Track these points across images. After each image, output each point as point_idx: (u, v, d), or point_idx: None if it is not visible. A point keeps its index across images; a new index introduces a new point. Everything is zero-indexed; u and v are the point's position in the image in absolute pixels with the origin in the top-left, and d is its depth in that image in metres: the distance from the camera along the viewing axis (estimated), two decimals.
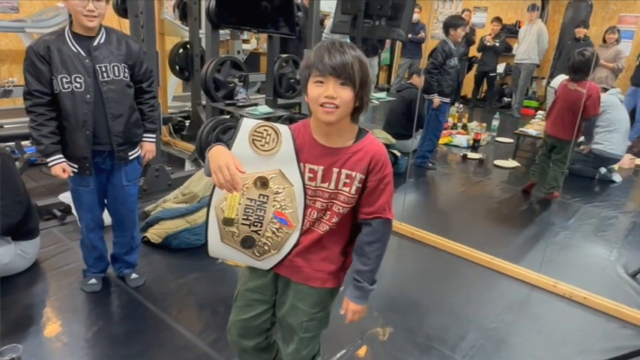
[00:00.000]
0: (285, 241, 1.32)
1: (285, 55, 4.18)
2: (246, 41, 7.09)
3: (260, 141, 1.23)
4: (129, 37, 2.09)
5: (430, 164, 4.73)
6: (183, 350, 1.95)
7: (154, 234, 2.69)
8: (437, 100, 4.37)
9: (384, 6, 3.36)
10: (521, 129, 5.42)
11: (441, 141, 5.32)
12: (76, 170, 2.00)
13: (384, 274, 2.51)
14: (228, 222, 1.30)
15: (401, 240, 3.12)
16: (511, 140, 5.83)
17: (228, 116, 3.66)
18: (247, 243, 1.32)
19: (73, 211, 2.29)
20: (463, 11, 7.96)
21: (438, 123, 4.62)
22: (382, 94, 7.45)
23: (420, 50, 7.89)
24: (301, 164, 1.26)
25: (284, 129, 1.24)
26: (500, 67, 8.20)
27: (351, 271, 1.38)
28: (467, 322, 2.28)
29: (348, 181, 1.25)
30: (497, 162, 5.05)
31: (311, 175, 1.27)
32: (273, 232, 1.31)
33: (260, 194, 1.27)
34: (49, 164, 1.96)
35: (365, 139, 1.26)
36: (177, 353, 1.93)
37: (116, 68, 1.95)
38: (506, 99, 8.32)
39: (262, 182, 1.27)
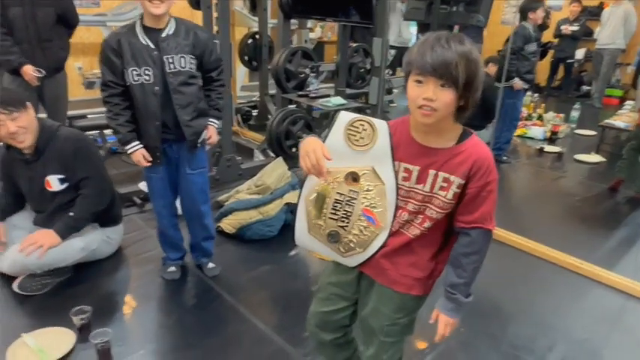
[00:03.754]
0: (371, 241, 1.26)
1: (355, 45, 4.08)
2: (310, 29, 7.03)
3: (355, 136, 1.17)
4: (198, 27, 2.09)
5: (505, 157, 4.48)
6: (260, 344, 1.95)
7: (228, 224, 2.73)
8: (518, 83, 4.13)
9: None
10: (607, 121, 4.98)
11: (515, 133, 5.03)
12: (150, 158, 2.06)
13: None
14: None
15: None
16: (593, 132, 5.40)
17: (294, 106, 3.62)
18: (333, 238, 1.28)
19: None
20: None
21: (516, 112, 4.38)
22: None
23: (482, 34, 7.45)
24: (396, 163, 1.18)
25: (381, 124, 1.17)
26: (580, 53, 7.60)
27: (441, 281, 1.30)
28: (555, 332, 2.12)
29: (445, 184, 1.17)
30: (579, 156, 4.68)
31: (405, 175, 1.20)
32: (360, 230, 1.26)
33: (350, 190, 1.22)
34: (128, 151, 2.03)
35: (468, 140, 1.17)
36: (254, 347, 1.93)
37: (182, 59, 1.96)
38: (585, 87, 7.71)
39: (353, 178, 1.21)
